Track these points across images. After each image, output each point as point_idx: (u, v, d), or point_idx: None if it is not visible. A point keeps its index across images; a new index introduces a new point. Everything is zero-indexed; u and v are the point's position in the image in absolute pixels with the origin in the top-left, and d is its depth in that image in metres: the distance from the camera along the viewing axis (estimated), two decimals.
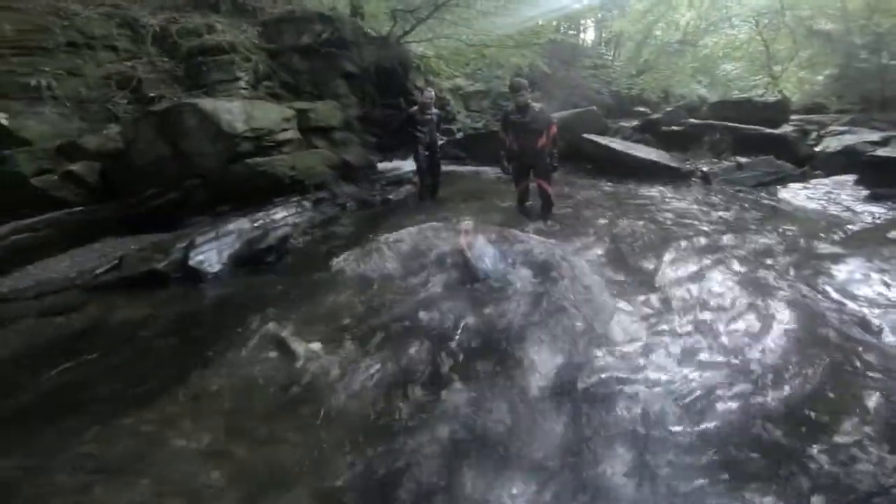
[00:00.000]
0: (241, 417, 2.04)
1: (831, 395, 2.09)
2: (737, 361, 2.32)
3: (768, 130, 8.79)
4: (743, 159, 7.79)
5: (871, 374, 2.21)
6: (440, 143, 6.34)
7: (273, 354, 2.44)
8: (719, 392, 2.10)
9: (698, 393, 2.10)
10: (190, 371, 2.37)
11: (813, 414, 1.96)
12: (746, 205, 5.54)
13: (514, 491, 1.64)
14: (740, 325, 2.66)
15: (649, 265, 3.52)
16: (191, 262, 3.75)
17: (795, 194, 6.23)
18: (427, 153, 5.69)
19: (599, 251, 3.82)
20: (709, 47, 18.12)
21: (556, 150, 4.51)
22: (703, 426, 1.92)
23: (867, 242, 3.92)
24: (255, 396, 2.16)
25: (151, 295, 3.49)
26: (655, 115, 11.63)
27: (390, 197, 6.33)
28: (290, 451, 1.83)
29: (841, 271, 3.31)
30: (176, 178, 5.22)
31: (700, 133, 9.36)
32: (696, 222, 4.59)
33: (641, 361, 2.34)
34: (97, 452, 1.87)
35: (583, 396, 2.10)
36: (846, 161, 7.17)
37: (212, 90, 6.96)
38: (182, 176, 5.24)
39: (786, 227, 4.46)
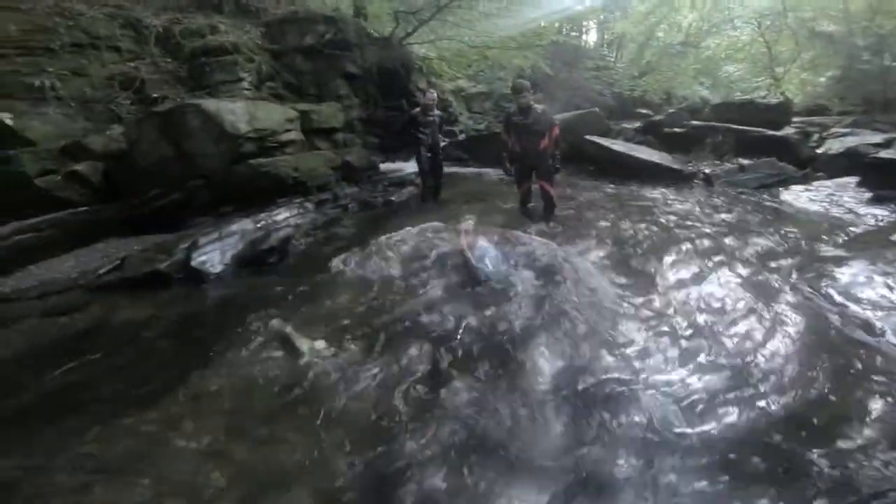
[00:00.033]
0: (243, 417, 2.04)
1: (834, 398, 2.08)
2: (740, 364, 2.31)
3: (770, 132, 8.79)
4: (745, 161, 7.79)
5: (874, 377, 2.20)
6: (442, 144, 6.33)
7: (275, 355, 2.44)
8: (722, 395, 2.10)
9: (701, 396, 2.10)
10: (191, 371, 2.37)
11: (816, 417, 1.95)
12: (749, 207, 5.52)
13: (515, 493, 1.64)
14: (743, 327, 2.65)
15: (652, 267, 3.51)
16: (193, 263, 3.76)
17: (798, 196, 6.20)
18: (429, 155, 5.68)
19: (602, 253, 3.80)
20: (711, 49, 18.13)
21: (558, 152, 4.51)
22: (705, 429, 1.91)
23: (870, 245, 3.90)
24: (256, 397, 2.16)
25: (154, 295, 3.50)
26: (658, 117, 11.61)
27: (392, 198, 6.33)
28: (291, 452, 1.83)
29: (844, 274, 3.29)
30: (179, 179, 5.24)
31: (702, 135, 9.37)
32: (698, 224, 4.58)
33: (644, 364, 2.33)
34: (98, 452, 1.87)
35: (584, 399, 2.09)
36: (848, 163, 7.13)
37: (215, 91, 6.99)
38: (185, 176, 5.26)
39: (788, 230, 4.45)
